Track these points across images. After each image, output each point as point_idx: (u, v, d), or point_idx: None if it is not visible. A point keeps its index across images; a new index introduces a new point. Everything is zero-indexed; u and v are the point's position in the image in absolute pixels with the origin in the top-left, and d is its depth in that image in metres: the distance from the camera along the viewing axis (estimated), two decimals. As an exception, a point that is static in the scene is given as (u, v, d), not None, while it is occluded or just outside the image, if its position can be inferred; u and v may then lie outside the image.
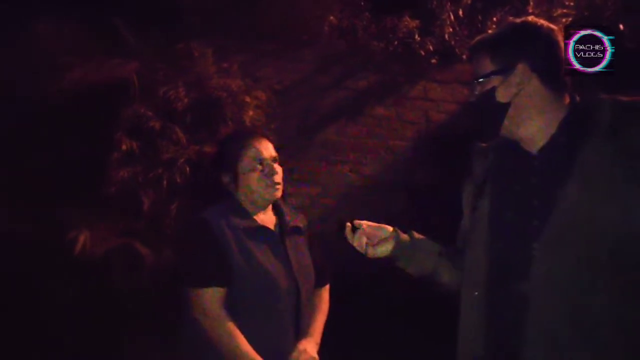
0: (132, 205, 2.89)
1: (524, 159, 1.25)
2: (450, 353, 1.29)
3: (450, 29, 3.71)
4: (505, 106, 1.23)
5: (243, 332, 1.63)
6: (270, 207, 1.82)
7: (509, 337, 1.17)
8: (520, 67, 1.21)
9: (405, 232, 1.42)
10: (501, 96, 1.23)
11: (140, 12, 3.03)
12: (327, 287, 1.90)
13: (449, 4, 3.72)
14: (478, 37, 1.31)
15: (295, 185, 3.38)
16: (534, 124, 1.23)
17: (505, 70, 1.22)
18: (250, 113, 3.19)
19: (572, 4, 3.80)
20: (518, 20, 1.27)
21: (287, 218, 1.82)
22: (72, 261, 2.68)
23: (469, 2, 3.75)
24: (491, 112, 1.25)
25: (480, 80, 1.25)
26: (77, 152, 2.83)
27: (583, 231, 1.10)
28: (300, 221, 1.85)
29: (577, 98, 1.25)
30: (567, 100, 1.24)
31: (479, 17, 3.74)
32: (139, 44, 3.06)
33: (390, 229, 1.41)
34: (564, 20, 3.67)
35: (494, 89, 1.23)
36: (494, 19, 3.65)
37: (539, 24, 1.24)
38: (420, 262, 1.38)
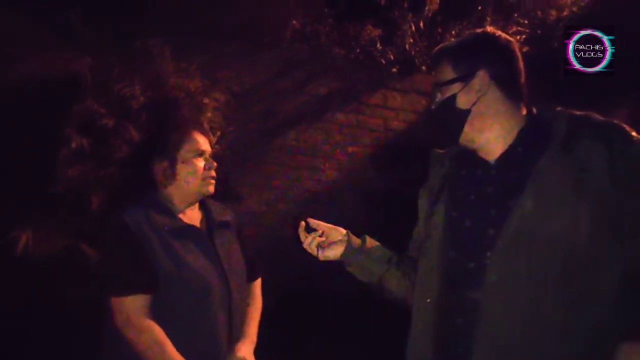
0: (80, 205, 2.76)
1: (482, 167, 1.27)
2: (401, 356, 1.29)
3: (411, 40, 3.78)
4: (464, 115, 1.24)
5: (174, 339, 1.55)
6: (197, 203, 1.76)
7: (458, 344, 1.18)
8: (480, 74, 1.23)
9: (358, 237, 1.42)
10: (461, 103, 1.24)
11: (96, 6, 2.92)
12: (259, 281, 1.86)
13: (410, 15, 3.78)
14: (440, 45, 1.33)
15: (253, 190, 3.34)
16: (492, 132, 1.25)
17: (465, 77, 1.24)
18: (209, 115, 3.12)
19: (526, 22, 3.97)
20: (479, 30, 1.30)
21: (214, 213, 1.76)
22: (13, 262, 2.53)
23: (430, 14, 3.83)
24: (450, 120, 1.26)
25: (442, 86, 1.26)
26: (23, 148, 2.68)
27: (534, 241, 1.12)
28: (228, 215, 1.80)
29: (534, 110, 1.28)
30: (525, 111, 1.27)
31: (439, 30, 3.82)
32: (94, 38, 2.94)
33: (344, 231, 1.42)
34: (517, 37, 3.82)
35: (454, 96, 1.25)
36: (453, 32, 3.75)
37: (497, 34, 1.27)
38: (367, 268, 1.39)
